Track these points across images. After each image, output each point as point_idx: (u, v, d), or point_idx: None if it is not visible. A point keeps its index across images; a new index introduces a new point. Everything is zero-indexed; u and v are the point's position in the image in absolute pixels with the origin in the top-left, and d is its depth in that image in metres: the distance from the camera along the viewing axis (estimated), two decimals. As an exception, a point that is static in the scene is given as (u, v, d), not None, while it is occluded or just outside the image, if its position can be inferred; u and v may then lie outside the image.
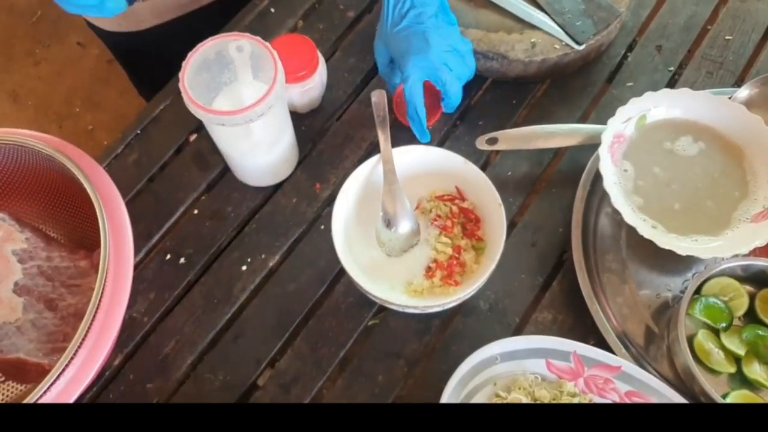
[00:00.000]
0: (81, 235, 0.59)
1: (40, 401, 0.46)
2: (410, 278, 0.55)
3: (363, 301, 0.56)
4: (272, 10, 0.72)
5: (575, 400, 0.51)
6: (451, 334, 0.56)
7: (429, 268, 0.56)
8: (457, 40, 0.58)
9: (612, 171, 0.57)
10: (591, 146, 0.60)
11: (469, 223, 0.57)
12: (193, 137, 0.66)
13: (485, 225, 0.57)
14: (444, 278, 0.55)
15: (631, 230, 0.54)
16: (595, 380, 0.51)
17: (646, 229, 0.54)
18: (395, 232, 0.56)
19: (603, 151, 0.56)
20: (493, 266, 0.52)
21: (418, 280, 0.55)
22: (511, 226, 0.60)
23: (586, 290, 0.56)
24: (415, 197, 0.59)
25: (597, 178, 0.59)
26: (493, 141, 0.61)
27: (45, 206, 0.61)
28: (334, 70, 0.69)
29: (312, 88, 0.63)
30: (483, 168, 0.60)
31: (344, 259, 0.53)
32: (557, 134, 0.61)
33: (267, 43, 0.52)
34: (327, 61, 0.70)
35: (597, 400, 0.51)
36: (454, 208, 0.58)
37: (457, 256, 0.56)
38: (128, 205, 0.55)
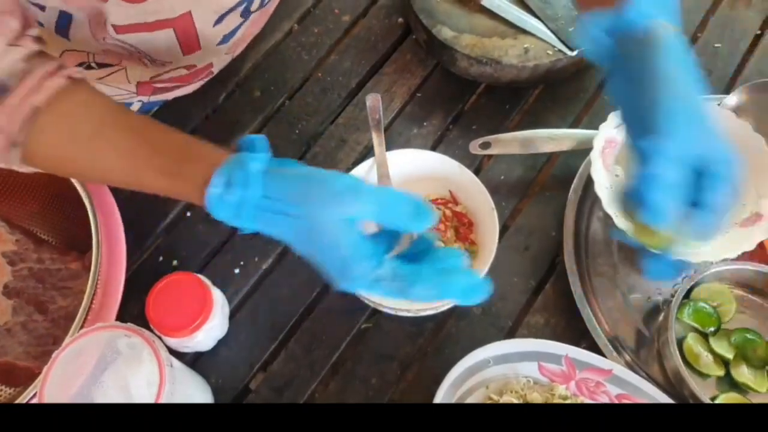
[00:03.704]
0: (73, 237, 0.59)
1: (30, 405, 0.45)
2: (404, 281, 0.56)
3: (356, 304, 0.56)
4: (267, 13, 0.72)
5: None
6: (444, 337, 0.56)
7: (422, 272, 0.56)
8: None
9: (603, 176, 0.57)
10: (583, 151, 0.61)
11: (462, 226, 0.57)
12: (186, 139, 0.66)
13: (478, 229, 0.57)
14: (437, 282, 0.55)
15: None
16: (586, 383, 0.52)
17: None
18: (389, 236, 0.56)
19: (594, 156, 0.57)
20: (485, 270, 0.52)
21: (411, 283, 0.55)
22: (504, 229, 0.60)
23: (577, 294, 0.56)
24: (409, 201, 0.59)
25: (589, 182, 0.59)
26: (486, 145, 0.61)
27: (35, 208, 0.61)
28: (329, 74, 0.69)
29: (215, 326, 0.53)
30: (476, 172, 0.60)
31: (338, 262, 0.53)
32: (550, 139, 0.62)
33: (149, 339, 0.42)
34: (322, 64, 0.70)
35: (588, 402, 0.52)
36: (448, 212, 0.58)
37: (450, 259, 0.56)
38: (121, 206, 0.55)
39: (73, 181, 0.53)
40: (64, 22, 0.49)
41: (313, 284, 0.58)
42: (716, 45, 0.70)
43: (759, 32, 0.70)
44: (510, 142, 0.62)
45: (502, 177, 0.63)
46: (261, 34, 0.71)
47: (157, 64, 0.57)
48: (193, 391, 0.50)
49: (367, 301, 0.53)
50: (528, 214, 0.62)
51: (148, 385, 0.40)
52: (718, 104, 0.61)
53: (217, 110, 0.68)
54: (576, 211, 0.59)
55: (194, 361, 0.56)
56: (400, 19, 0.72)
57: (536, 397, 0.51)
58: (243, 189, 0.34)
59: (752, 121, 0.59)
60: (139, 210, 0.62)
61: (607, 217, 0.56)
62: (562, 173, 0.63)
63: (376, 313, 0.57)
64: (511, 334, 0.57)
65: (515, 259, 0.59)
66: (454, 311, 0.57)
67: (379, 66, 0.70)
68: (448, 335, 0.56)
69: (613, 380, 0.51)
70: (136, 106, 0.64)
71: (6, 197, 0.59)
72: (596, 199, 0.57)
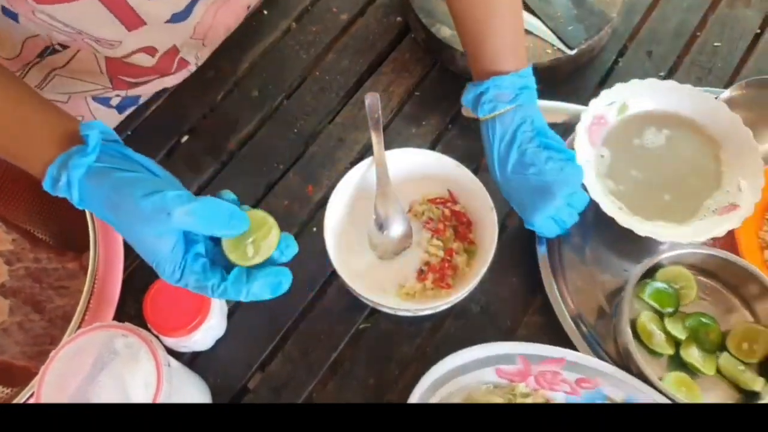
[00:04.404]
0: (70, 236, 0.59)
1: (27, 405, 0.45)
2: (402, 281, 0.55)
3: (354, 304, 0.56)
4: (265, 12, 0.72)
5: (529, 400, 0.51)
6: (443, 337, 0.56)
7: (421, 271, 0.56)
8: (575, 175, 0.51)
9: (588, 151, 0.57)
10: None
11: (461, 226, 0.57)
12: (184, 139, 0.65)
13: (477, 228, 0.57)
14: (436, 281, 0.55)
15: (598, 210, 0.55)
16: (544, 376, 0.51)
17: (610, 207, 0.55)
18: (387, 235, 0.56)
19: (580, 129, 0.57)
20: (484, 269, 0.52)
21: (410, 283, 0.55)
22: (503, 229, 0.60)
23: (545, 271, 0.56)
24: (408, 200, 0.59)
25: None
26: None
27: (32, 207, 0.60)
28: (327, 73, 0.69)
29: (213, 325, 0.53)
30: (475, 171, 0.59)
31: (336, 261, 0.52)
32: (541, 110, 0.61)
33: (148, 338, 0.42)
34: (320, 63, 0.70)
35: (549, 394, 0.51)
36: (447, 212, 0.58)
37: (448, 259, 0.56)
38: (118, 206, 0.55)
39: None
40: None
41: (311, 284, 0.58)
42: (716, 44, 0.70)
43: (758, 31, 0.71)
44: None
45: (501, 176, 0.63)
46: (258, 32, 0.71)
47: (103, 44, 0.54)
48: (191, 390, 0.50)
49: (365, 301, 0.53)
50: (527, 213, 0.61)
51: (146, 385, 0.40)
52: (716, 98, 0.61)
53: (214, 109, 0.67)
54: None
55: (192, 360, 0.55)
56: (399, 18, 0.72)
57: (498, 401, 0.50)
58: (65, 192, 0.39)
59: (743, 114, 0.59)
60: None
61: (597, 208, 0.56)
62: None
63: (374, 313, 0.57)
64: (510, 333, 0.56)
65: (514, 258, 0.59)
66: (452, 311, 0.57)
67: (378, 65, 0.69)
68: (447, 335, 0.56)
69: (567, 367, 0.51)
70: (115, 101, 0.64)
71: (3, 197, 0.59)
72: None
